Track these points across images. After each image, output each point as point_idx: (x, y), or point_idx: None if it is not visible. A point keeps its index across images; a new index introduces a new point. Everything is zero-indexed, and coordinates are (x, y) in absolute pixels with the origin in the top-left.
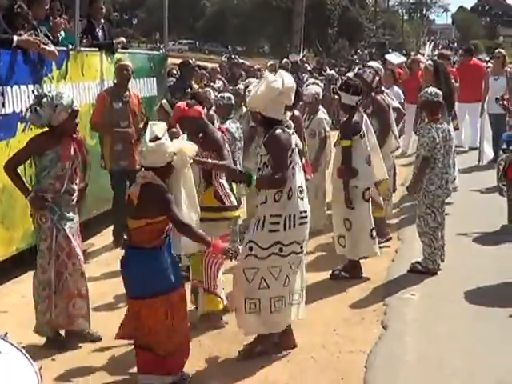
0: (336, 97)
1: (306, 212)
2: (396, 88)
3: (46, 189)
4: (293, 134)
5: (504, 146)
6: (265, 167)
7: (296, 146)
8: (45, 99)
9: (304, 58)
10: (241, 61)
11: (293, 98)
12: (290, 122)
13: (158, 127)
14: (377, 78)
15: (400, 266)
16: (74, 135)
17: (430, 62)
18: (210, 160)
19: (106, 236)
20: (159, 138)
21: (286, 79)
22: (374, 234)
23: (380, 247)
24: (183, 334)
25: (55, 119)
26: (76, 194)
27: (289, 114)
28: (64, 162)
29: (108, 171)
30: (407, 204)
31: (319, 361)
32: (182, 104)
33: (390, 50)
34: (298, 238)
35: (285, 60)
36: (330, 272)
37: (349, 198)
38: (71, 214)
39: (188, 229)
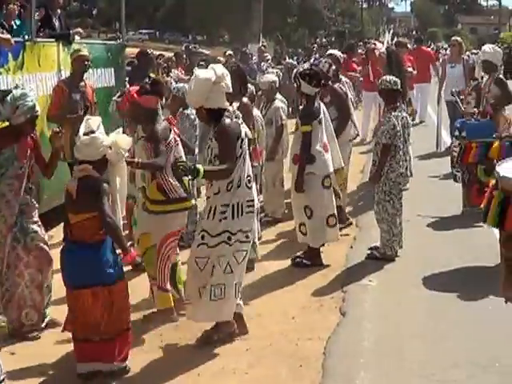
0: (295, 84)
1: (253, 201)
2: None
3: (4, 189)
4: (241, 123)
5: (456, 133)
6: (215, 160)
7: (245, 134)
8: (9, 97)
9: (263, 47)
10: (200, 50)
11: (230, 85)
12: (238, 111)
13: (93, 121)
14: (333, 67)
15: (358, 252)
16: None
17: (383, 50)
18: (138, 160)
19: None
20: (93, 132)
21: (217, 69)
22: (334, 220)
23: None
24: (122, 324)
25: (14, 119)
26: (33, 193)
27: (235, 104)
28: (21, 160)
29: (67, 163)
30: (365, 191)
31: (278, 348)
32: (134, 89)
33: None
34: (244, 226)
35: (228, 52)
36: (291, 259)
37: (300, 182)
38: (34, 226)
39: (112, 229)
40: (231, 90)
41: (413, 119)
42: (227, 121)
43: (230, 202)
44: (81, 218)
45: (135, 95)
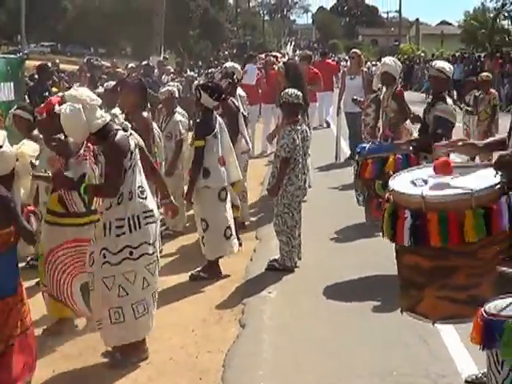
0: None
1: (151, 211)
2: None
3: None
4: (131, 134)
5: (356, 157)
6: None
7: (137, 145)
8: None
9: (163, 60)
10: (102, 63)
11: (96, 97)
12: (126, 122)
13: None
14: (226, 80)
15: (258, 264)
16: None
17: (281, 64)
18: (39, 173)
19: None
20: (1, 146)
21: (78, 95)
22: (230, 232)
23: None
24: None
25: None
26: None
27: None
28: None
29: None
30: (265, 203)
31: (178, 362)
32: (55, 99)
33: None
34: (147, 238)
35: (131, 65)
36: (189, 275)
37: (189, 195)
38: None
39: (30, 237)
40: (100, 102)
41: (314, 128)
42: (117, 137)
43: (124, 216)
44: None
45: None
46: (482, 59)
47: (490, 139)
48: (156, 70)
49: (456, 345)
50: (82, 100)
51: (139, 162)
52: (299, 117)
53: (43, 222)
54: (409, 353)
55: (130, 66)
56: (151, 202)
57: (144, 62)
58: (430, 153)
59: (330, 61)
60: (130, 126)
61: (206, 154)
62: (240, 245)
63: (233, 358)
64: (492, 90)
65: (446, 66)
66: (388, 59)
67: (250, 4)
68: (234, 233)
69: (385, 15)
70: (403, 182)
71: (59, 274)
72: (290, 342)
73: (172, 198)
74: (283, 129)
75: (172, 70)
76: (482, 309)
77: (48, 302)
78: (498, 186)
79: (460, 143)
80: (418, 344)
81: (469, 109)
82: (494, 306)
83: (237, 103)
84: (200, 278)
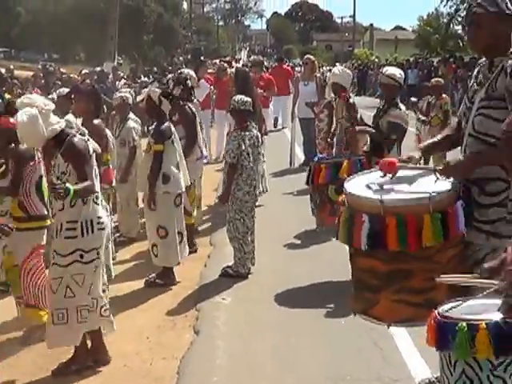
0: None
1: (102, 218)
2: None
3: None
4: (88, 140)
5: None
6: (63, 176)
7: (94, 151)
8: None
9: (116, 66)
10: (56, 69)
11: (50, 102)
12: (83, 128)
13: None
14: (179, 87)
15: (212, 270)
16: None
17: (233, 69)
18: None
19: None
20: None
21: (27, 101)
22: (181, 237)
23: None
24: None
25: None
26: None
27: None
28: None
29: None
30: (218, 209)
31: (132, 368)
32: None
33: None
34: (98, 244)
35: (84, 71)
36: (144, 282)
37: (150, 201)
38: None
39: None
40: (54, 106)
41: (265, 134)
42: (75, 139)
43: (77, 219)
44: None
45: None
46: (436, 64)
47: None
48: (110, 76)
49: (409, 349)
50: (37, 106)
51: (96, 167)
52: (247, 123)
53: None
54: (362, 357)
55: (83, 71)
56: (103, 209)
57: (98, 68)
58: (382, 157)
59: (285, 66)
60: (86, 132)
61: (165, 159)
62: (195, 251)
63: (187, 364)
64: (444, 95)
65: (396, 72)
66: (336, 69)
67: (205, 9)
68: (185, 239)
69: (339, 20)
70: (359, 186)
71: (36, 279)
72: (244, 348)
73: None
74: (230, 135)
75: (122, 75)
76: (436, 311)
77: (25, 311)
78: (454, 189)
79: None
80: (371, 348)
81: (421, 117)
82: (447, 308)
83: (193, 109)
84: (154, 284)
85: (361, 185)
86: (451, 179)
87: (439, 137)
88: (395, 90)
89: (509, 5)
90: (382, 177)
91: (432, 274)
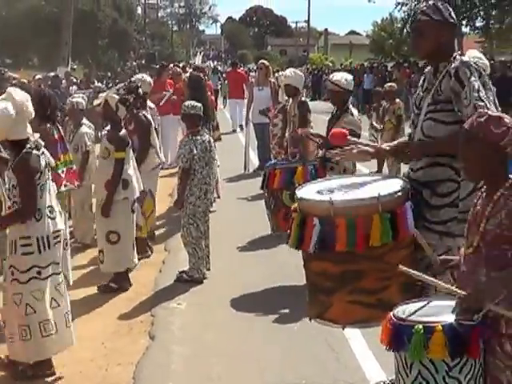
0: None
1: (59, 231)
2: None
3: None
4: (42, 153)
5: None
6: (13, 189)
7: (48, 164)
8: None
9: (70, 70)
10: (10, 74)
11: (32, 110)
12: (40, 140)
13: None
14: (131, 96)
15: (167, 276)
16: None
17: (187, 74)
18: None
19: None
20: None
21: (17, 98)
22: (134, 245)
23: (140, 258)
24: None
25: None
26: None
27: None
28: None
29: None
30: (173, 215)
31: (87, 375)
32: None
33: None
34: (55, 258)
35: (38, 76)
36: (97, 287)
37: (108, 207)
38: None
39: None
40: (33, 116)
41: (218, 139)
42: (27, 155)
43: (31, 235)
44: None
45: None
46: (390, 69)
47: (399, 141)
48: (64, 81)
49: (364, 352)
50: (19, 105)
51: (49, 181)
52: (199, 127)
53: None
54: (317, 361)
55: (37, 77)
56: (60, 221)
57: (52, 73)
58: (336, 163)
59: (239, 70)
60: (42, 143)
61: (125, 165)
62: (148, 257)
63: (142, 370)
64: (397, 100)
65: (342, 78)
66: (289, 71)
67: (159, 14)
68: (135, 245)
69: (294, 25)
70: (310, 191)
71: None
72: (200, 353)
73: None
74: (181, 140)
75: (75, 81)
76: (391, 313)
77: None
78: (403, 191)
79: (354, 150)
80: (326, 352)
81: (375, 124)
82: (402, 310)
83: (148, 117)
84: (109, 290)
85: (312, 191)
86: (402, 183)
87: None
88: (341, 95)
89: (452, 13)
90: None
91: (384, 274)
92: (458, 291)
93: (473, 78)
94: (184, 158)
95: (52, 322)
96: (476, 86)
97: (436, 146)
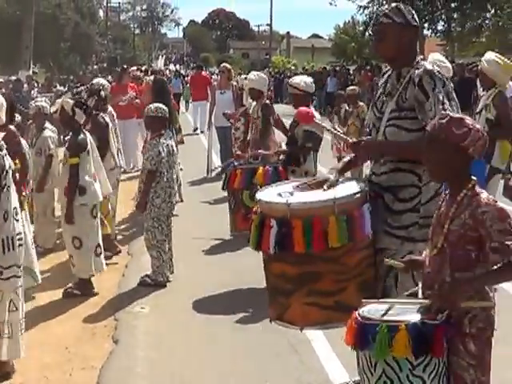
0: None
1: (21, 234)
2: None
3: None
4: (5, 154)
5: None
6: None
7: (10, 166)
8: None
9: (32, 74)
10: None
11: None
12: (2, 141)
13: None
14: (93, 98)
15: (130, 280)
16: None
17: (151, 77)
18: None
19: None
20: None
21: None
22: (100, 250)
23: (108, 264)
24: None
25: None
26: None
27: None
28: None
29: None
30: (136, 218)
31: (52, 380)
32: None
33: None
34: (17, 260)
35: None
36: (62, 292)
37: (69, 214)
38: None
39: None
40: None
41: (181, 142)
42: None
43: None
44: None
45: None
46: (352, 72)
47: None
48: (25, 85)
49: (327, 353)
50: None
51: (13, 183)
52: (164, 130)
53: None
54: (280, 362)
55: None
56: (21, 225)
57: (13, 77)
58: (298, 166)
59: (204, 74)
60: (5, 146)
61: (81, 171)
62: (110, 257)
63: (106, 374)
64: (361, 104)
65: (301, 81)
66: (252, 74)
67: (121, 17)
68: (102, 250)
69: (256, 29)
70: (270, 194)
71: None
72: (164, 357)
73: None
74: (148, 142)
75: (36, 84)
76: (356, 312)
77: None
78: (360, 194)
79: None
80: (290, 353)
81: (336, 127)
82: (367, 310)
83: (106, 119)
84: (73, 295)
85: (272, 193)
86: (360, 185)
87: (351, 155)
88: (303, 98)
89: (415, 16)
90: (293, 187)
91: (341, 276)
92: (424, 301)
93: (437, 90)
94: (152, 161)
95: (8, 325)
96: (440, 98)
97: (398, 148)
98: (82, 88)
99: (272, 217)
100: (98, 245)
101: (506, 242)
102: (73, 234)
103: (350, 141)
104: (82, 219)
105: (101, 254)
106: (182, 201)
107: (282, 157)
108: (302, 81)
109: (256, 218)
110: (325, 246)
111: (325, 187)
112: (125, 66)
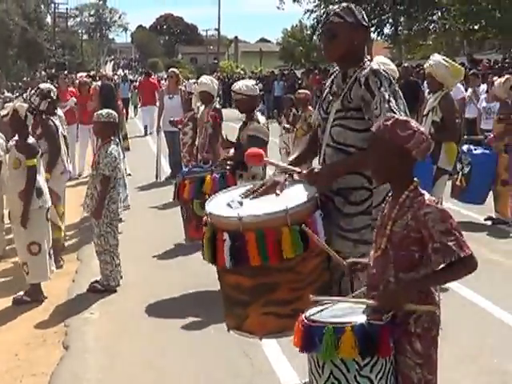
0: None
1: None
2: None
3: None
4: None
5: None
6: None
7: None
8: None
9: None
10: None
11: None
12: None
13: None
14: (46, 101)
15: (80, 286)
16: None
17: (99, 83)
18: None
19: None
20: None
21: None
22: (51, 252)
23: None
24: None
25: None
26: None
27: None
28: None
29: None
30: (85, 224)
31: None
32: None
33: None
34: None
35: None
36: (12, 299)
37: (26, 218)
38: None
39: None
40: None
41: (127, 149)
42: None
43: None
44: None
45: None
46: (300, 76)
47: (299, 152)
48: None
49: (278, 357)
50: None
51: None
52: (113, 136)
53: None
54: (232, 366)
55: None
56: None
57: None
58: (245, 170)
59: (152, 80)
60: None
61: (37, 174)
62: (61, 267)
63: (57, 380)
64: (310, 108)
65: (242, 85)
66: (204, 78)
67: (69, 23)
68: (52, 253)
69: (204, 33)
70: (219, 204)
71: None
72: (115, 362)
73: None
74: (102, 148)
75: None
76: (303, 315)
77: None
78: (312, 201)
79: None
80: (241, 357)
81: (286, 126)
82: (313, 312)
83: (57, 123)
84: (23, 301)
85: (222, 203)
86: (311, 192)
87: (299, 150)
88: (248, 102)
89: (365, 16)
90: (243, 194)
91: (297, 284)
92: (369, 302)
93: (383, 88)
94: (110, 167)
95: None
96: (386, 96)
97: (348, 165)
98: (33, 92)
99: (224, 230)
100: (50, 248)
101: (448, 243)
102: (30, 239)
103: (303, 172)
104: (40, 223)
105: (51, 256)
106: (128, 207)
107: (229, 162)
108: (244, 85)
109: (207, 230)
110: (280, 258)
111: (277, 191)
112: (61, 73)
